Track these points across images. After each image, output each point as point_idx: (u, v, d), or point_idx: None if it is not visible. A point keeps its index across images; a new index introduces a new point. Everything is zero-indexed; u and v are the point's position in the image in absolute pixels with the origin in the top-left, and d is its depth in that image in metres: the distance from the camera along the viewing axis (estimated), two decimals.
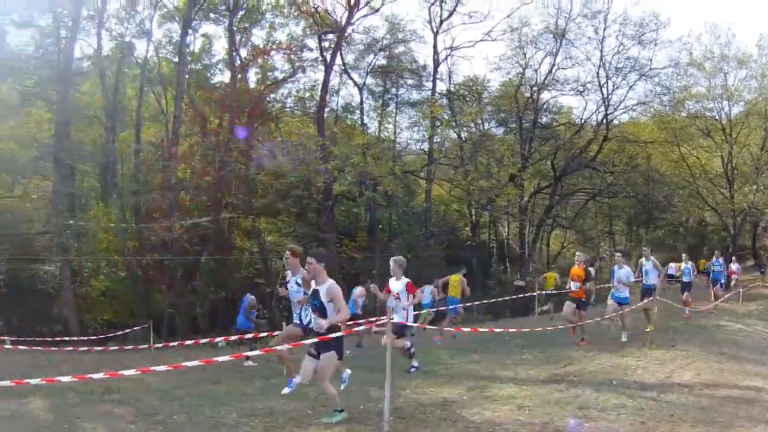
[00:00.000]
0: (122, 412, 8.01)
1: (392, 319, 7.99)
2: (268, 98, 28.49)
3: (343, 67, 30.41)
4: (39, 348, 16.36)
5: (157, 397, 8.92)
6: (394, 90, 32.85)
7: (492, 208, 31.39)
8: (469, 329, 11.82)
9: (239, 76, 27.79)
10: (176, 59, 27.72)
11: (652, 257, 14.67)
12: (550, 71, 31.60)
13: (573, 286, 12.60)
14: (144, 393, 9.30)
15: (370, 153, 27.70)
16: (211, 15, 29.14)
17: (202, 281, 26.06)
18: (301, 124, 30.33)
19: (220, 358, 7.54)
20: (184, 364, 7.41)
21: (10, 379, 8.69)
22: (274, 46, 28.62)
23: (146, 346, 15.84)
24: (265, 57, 28.45)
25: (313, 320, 6.86)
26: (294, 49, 28.83)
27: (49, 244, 26.23)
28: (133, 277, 25.64)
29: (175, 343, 16.38)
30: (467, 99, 33.03)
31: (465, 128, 32.93)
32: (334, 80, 30.26)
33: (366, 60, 31.64)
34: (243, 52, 28.51)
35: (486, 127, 34.13)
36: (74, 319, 24.46)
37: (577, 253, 13.50)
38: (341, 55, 29.66)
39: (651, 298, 12.78)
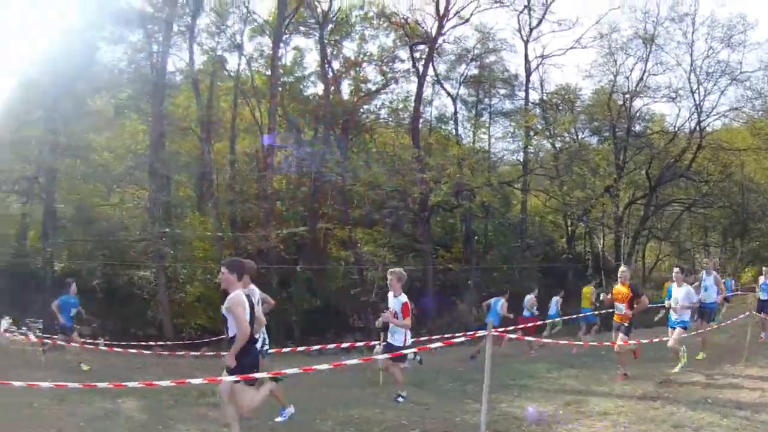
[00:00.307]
0: (217, 415, 7.99)
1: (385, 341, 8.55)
2: (361, 109, 28.29)
3: (435, 78, 30.12)
4: (133, 351, 16.55)
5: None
6: (486, 100, 32.37)
7: (587, 219, 30.47)
8: (566, 342, 12.50)
9: (332, 87, 27.82)
10: (269, 72, 27.94)
11: (714, 272, 12.50)
12: (641, 78, 30.81)
13: (617, 308, 10.11)
14: None
15: (466, 163, 27.07)
16: (301, 28, 29.48)
17: (297, 290, 25.62)
18: (396, 135, 30.00)
19: (319, 367, 7.70)
20: (284, 371, 7.66)
21: (107, 380, 8.75)
22: (365, 58, 28.79)
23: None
24: (357, 68, 28.50)
25: None
26: (385, 60, 28.90)
27: (145, 251, 26.52)
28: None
29: (272, 351, 16.48)
30: (560, 108, 32.28)
31: (559, 138, 32.13)
32: (427, 91, 30.06)
33: (458, 70, 31.37)
34: (335, 64, 28.63)
35: (580, 137, 33.24)
36: (169, 323, 24.76)
37: (622, 268, 10.55)
38: (433, 65, 29.40)
39: (708, 325, 11.62)
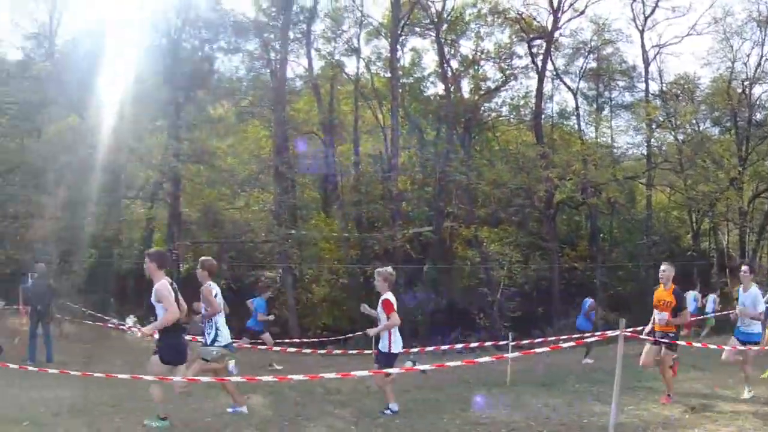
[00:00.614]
0: (344, 413, 8.29)
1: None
2: (483, 107, 27.95)
3: (554, 72, 29.53)
4: (263, 347, 16.52)
5: (378, 401, 8.91)
6: (606, 93, 31.60)
7: (713, 214, 29.48)
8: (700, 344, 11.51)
9: (452, 87, 27.50)
10: (388, 74, 27.98)
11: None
12: (759, 63, 29.47)
13: (658, 317, 8.35)
14: (365, 396, 9.67)
15: (590, 159, 26.47)
16: (417, 29, 29.40)
17: (424, 289, 25.43)
18: (518, 132, 29.51)
19: (451, 363, 8.28)
20: (418, 367, 8.31)
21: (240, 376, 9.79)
22: (483, 56, 28.49)
23: (369, 351, 15.28)
24: (476, 67, 28.26)
25: None
26: (503, 57, 28.56)
27: (271, 252, 27.16)
28: (355, 285, 25.89)
29: (397, 351, 16.37)
30: (680, 98, 31.31)
31: (681, 130, 31.15)
32: (547, 86, 29.60)
33: (576, 64, 30.73)
34: (453, 63, 28.50)
35: (701, 128, 32.14)
36: (295, 323, 25.07)
37: (663, 266, 8.66)
38: (551, 60, 28.87)
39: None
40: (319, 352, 18.02)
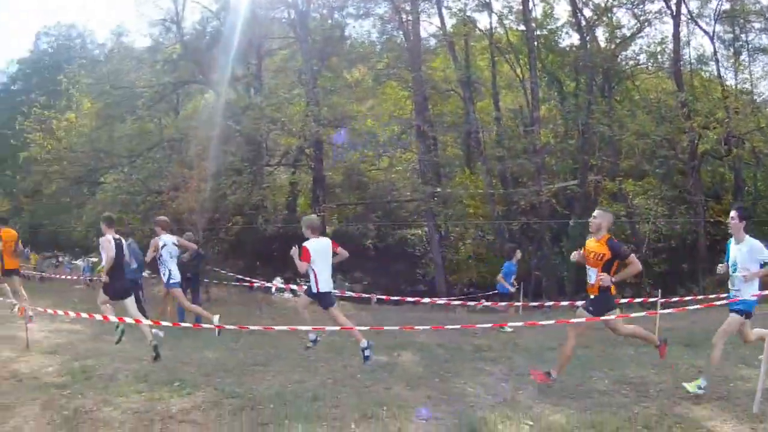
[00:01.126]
0: (494, 369, 8.28)
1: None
2: (619, 56, 27.48)
3: (689, 16, 28.55)
4: (411, 300, 17.81)
5: (529, 358, 9.06)
6: (743, 36, 30.58)
7: None
8: None
9: (587, 36, 27.04)
10: (521, 27, 27.62)
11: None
12: None
13: (589, 275, 7.18)
14: (514, 352, 9.68)
15: (732, 107, 25.82)
16: None
17: (570, 245, 25.17)
18: (658, 81, 28.95)
19: (575, 320, 7.44)
20: (541, 322, 8.23)
21: (382, 334, 10.04)
22: (615, 2, 27.74)
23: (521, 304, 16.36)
24: (609, 14, 27.64)
25: None
26: (636, 2, 27.82)
27: (416, 211, 27.77)
28: (501, 241, 25.61)
29: (535, 303, 17.25)
30: None
31: None
32: (683, 30, 28.30)
33: (710, 6, 29.38)
34: (586, 12, 27.87)
35: None
36: (442, 280, 25.29)
37: (595, 212, 7.32)
38: (685, 2, 27.90)
39: None
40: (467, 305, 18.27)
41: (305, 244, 8.96)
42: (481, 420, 5.77)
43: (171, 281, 11.63)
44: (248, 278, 23.00)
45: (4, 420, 6.13)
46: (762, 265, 6.70)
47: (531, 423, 5.72)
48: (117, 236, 9.84)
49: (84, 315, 10.20)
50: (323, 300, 9.16)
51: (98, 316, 9.64)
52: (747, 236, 6.89)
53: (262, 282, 22.71)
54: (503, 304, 15.19)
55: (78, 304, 16.03)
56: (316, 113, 24.90)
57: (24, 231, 36.36)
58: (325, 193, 27.24)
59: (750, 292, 6.77)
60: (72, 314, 10.46)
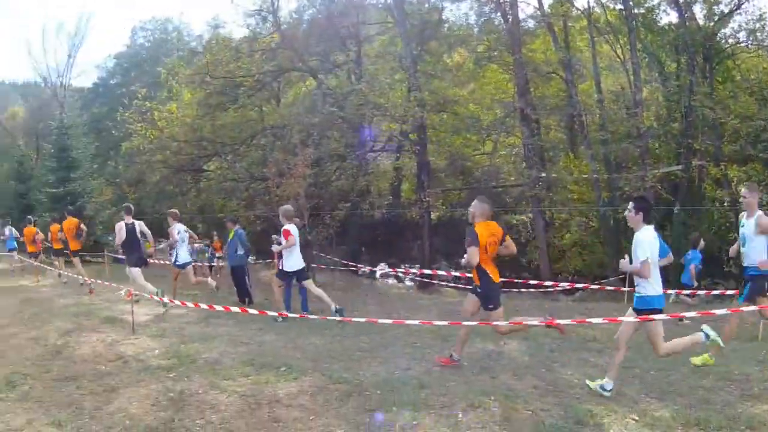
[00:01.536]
0: (600, 361, 8.09)
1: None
2: (719, 35, 26.86)
3: None
4: (515, 290, 17.89)
5: (634, 350, 8.57)
6: None
7: None
8: None
9: (686, 14, 26.49)
10: (619, 5, 27.14)
11: (760, 211, 7.57)
12: None
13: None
14: None
15: None
16: None
17: (675, 233, 24.83)
18: (758, 60, 28.31)
19: (688, 314, 8.00)
20: (653, 317, 7.05)
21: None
22: None
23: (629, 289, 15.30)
24: None
25: None
26: None
27: (520, 197, 27.88)
28: (605, 228, 25.39)
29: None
30: None
31: None
32: None
33: None
34: None
35: None
36: (547, 268, 25.17)
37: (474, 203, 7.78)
38: None
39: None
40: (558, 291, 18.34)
41: (286, 227, 11.23)
42: (587, 412, 5.81)
43: (177, 263, 13.71)
44: (353, 263, 23.48)
45: (109, 401, 6.45)
46: None
47: (636, 418, 5.75)
48: (131, 222, 12.66)
49: (189, 304, 10.81)
50: (300, 276, 11.63)
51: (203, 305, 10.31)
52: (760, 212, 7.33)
53: (368, 267, 23.10)
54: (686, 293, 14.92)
55: (182, 289, 16.80)
56: (419, 98, 25.18)
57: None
58: (429, 178, 27.42)
59: None
60: (176, 302, 11.24)
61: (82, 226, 18.56)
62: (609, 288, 17.49)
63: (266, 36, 31.38)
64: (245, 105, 29.76)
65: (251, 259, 16.93)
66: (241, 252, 14.22)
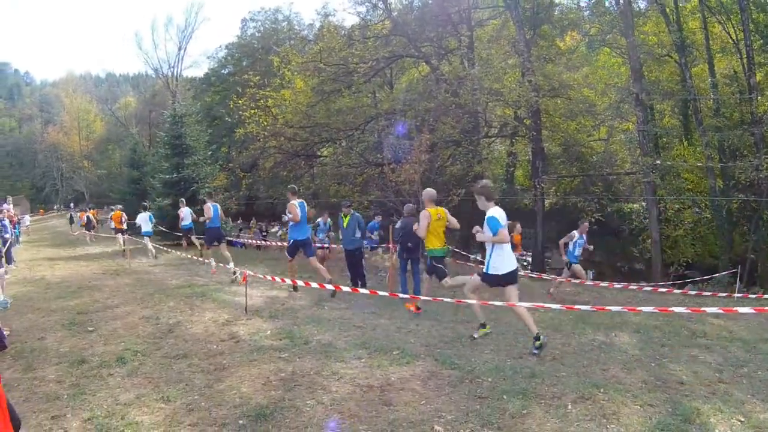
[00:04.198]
0: (708, 358, 8.13)
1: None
2: None
3: None
4: (618, 285, 16.86)
5: (743, 348, 8.90)
6: None
7: None
8: None
9: None
10: None
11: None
12: None
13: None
14: (729, 342, 9.38)
15: None
16: None
17: None
18: None
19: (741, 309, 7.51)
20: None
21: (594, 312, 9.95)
22: None
23: (725, 294, 16.32)
24: None
25: None
26: None
27: (633, 184, 28.07)
28: (719, 219, 25.41)
29: (754, 296, 16.27)
30: None
31: None
32: None
33: None
34: None
35: None
36: (658, 258, 25.53)
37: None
38: None
39: None
40: (675, 291, 17.93)
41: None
42: (694, 410, 5.89)
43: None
44: (464, 251, 24.27)
45: (219, 379, 6.70)
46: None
47: (742, 419, 5.76)
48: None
49: (300, 283, 11.39)
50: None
51: (314, 284, 10.71)
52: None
53: (478, 256, 23.83)
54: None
55: (298, 272, 18.21)
56: (533, 82, 26.01)
57: (241, 203, 40.39)
58: (544, 164, 28.15)
59: None
60: (285, 280, 12.03)
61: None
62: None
63: (377, 23, 32.87)
64: (359, 91, 31.27)
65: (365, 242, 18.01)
66: (358, 235, 14.71)
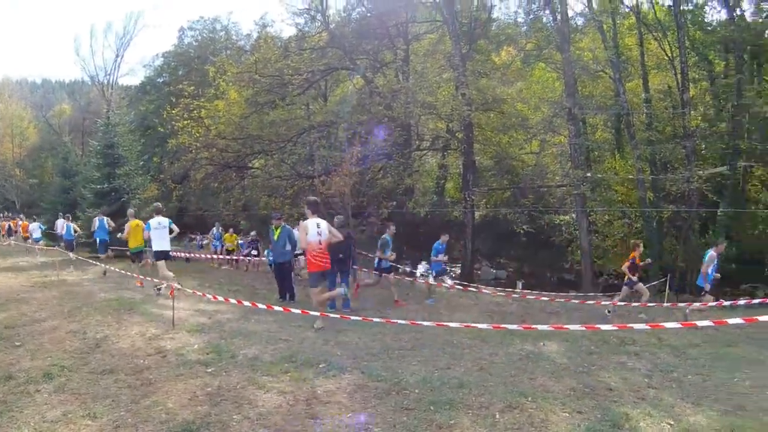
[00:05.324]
0: (637, 365, 8.37)
1: None
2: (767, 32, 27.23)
3: None
4: (545, 298, 17.38)
5: (672, 354, 9.24)
6: None
7: None
8: None
9: (735, 11, 27.00)
10: (668, 2, 28.04)
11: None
12: None
13: None
14: (658, 348, 9.70)
15: None
16: None
17: (717, 236, 25.21)
18: None
19: (731, 321, 7.78)
20: (697, 323, 7.95)
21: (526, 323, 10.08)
22: None
23: (654, 304, 16.25)
24: None
25: None
26: None
27: (564, 196, 28.71)
28: (649, 230, 26.15)
29: (683, 304, 16.11)
30: None
31: None
32: None
33: None
34: None
35: None
36: (589, 268, 25.84)
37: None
38: None
39: None
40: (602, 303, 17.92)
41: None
42: (623, 415, 5.98)
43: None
44: (395, 263, 24.27)
45: (146, 395, 6.63)
46: None
47: (672, 422, 5.89)
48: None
49: (233, 301, 11.45)
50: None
51: (235, 300, 11.07)
52: None
53: (407, 268, 23.81)
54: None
55: (224, 285, 17.45)
56: (466, 96, 26.13)
57: (171, 215, 39.77)
58: (474, 177, 28.34)
59: None
60: (218, 297, 11.95)
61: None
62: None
63: (315, 34, 32.78)
64: (293, 103, 31.01)
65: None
66: (288, 248, 14.55)
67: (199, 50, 49.90)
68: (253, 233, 19.78)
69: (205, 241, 32.65)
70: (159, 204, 15.17)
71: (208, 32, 52.27)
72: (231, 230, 25.82)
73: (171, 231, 14.30)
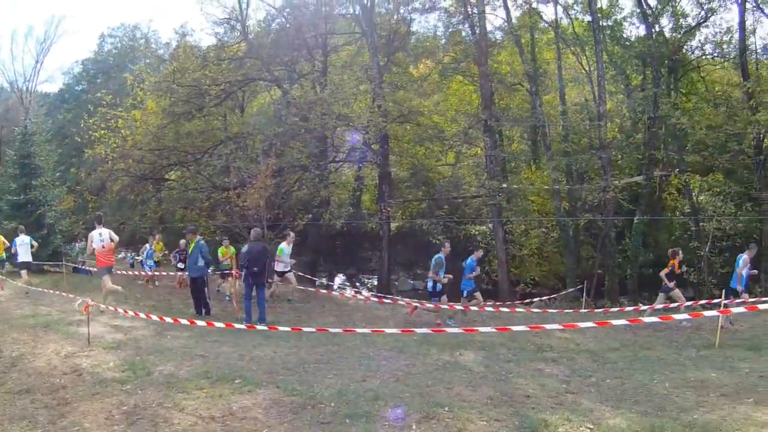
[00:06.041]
0: (555, 371, 8.50)
1: None
2: (685, 47, 28.11)
3: (755, 4, 27.91)
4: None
5: (590, 359, 9.39)
6: None
7: None
8: None
9: (653, 27, 27.76)
10: (587, 18, 28.41)
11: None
12: None
13: None
14: (576, 354, 9.86)
15: None
16: None
17: (633, 243, 26.13)
18: (724, 72, 29.62)
19: (646, 319, 9.01)
20: (611, 322, 8.62)
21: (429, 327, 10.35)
22: None
23: (572, 310, 16.83)
24: (673, 2, 28.03)
25: None
26: None
27: (480, 207, 28.95)
28: (565, 238, 26.65)
29: (600, 310, 17.13)
30: None
31: None
32: (749, 19, 27.76)
33: None
34: (651, 1, 28.14)
35: None
36: (505, 277, 26.23)
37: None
38: None
39: None
40: (517, 310, 18.09)
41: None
42: (541, 422, 5.98)
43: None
44: (309, 275, 24.17)
45: (62, 415, 6.48)
46: None
47: (591, 426, 5.90)
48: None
49: (154, 317, 11.39)
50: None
51: (155, 316, 11.05)
52: None
53: (325, 279, 23.69)
54: None
55: (141, 300, 17.19)
56: (382, 108, 26.14)
57: (88, 227, 38.84)
58: (390, 188, 28.43)
59: None
60: (136, 313, 11.59)
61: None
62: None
63: (233, 44, 32.35)
64: (210, 114, 30.61)
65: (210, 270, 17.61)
66: (202, 263, 14.32)
67: (118, 58, 49.13)
68: (183, 241, 19.26)
69: (138, 258, 31.92)
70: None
71: (128, 39, 51.51)
72: (157, 237, 24.65)
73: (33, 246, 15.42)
